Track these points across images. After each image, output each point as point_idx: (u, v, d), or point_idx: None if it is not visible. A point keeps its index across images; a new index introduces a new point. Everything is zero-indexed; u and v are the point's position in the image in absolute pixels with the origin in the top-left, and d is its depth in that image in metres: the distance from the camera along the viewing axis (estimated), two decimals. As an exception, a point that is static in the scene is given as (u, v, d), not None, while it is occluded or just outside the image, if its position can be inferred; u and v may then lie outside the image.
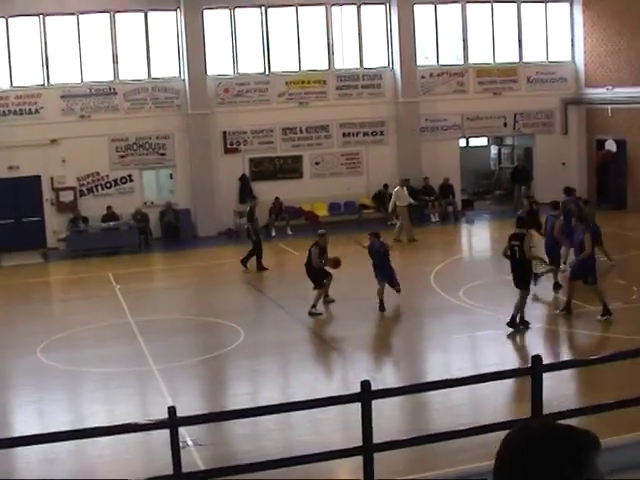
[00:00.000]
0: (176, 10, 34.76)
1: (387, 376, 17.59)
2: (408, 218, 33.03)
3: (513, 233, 20.47)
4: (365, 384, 10.76)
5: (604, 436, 11.45)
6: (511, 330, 19.82)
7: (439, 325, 21.55)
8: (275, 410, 12.46)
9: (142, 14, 34.61)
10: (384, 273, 22.58)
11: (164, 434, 10.60)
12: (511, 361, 18.25)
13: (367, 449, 10.79)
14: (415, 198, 34.85)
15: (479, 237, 35.67)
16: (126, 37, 34.63)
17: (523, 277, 20.18)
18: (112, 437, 12.40)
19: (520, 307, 20.03)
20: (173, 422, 10.44)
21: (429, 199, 36.69)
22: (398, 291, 22.64)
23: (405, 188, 33.48)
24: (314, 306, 22.38)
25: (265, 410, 12.51)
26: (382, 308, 22.11)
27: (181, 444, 12.38)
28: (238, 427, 14.39)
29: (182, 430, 13.26)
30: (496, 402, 15.03)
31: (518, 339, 20.12)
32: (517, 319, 19.92)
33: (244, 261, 28.23)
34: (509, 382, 13.36)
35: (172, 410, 10.40)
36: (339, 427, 14.26)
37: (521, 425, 2.96)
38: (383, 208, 36.12)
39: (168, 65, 35.19)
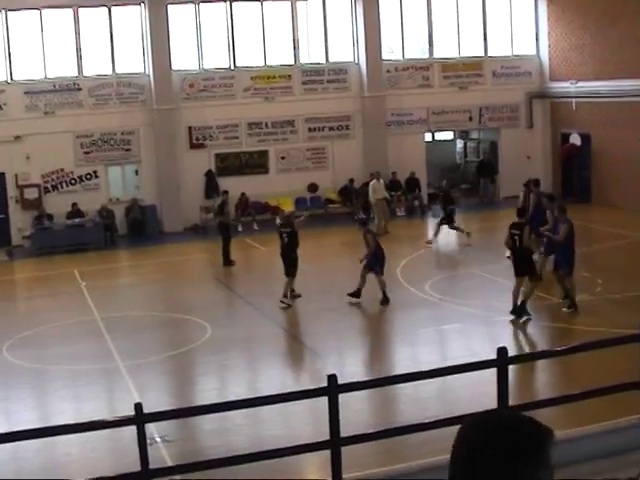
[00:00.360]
0: (140, 5, 34.61)
1: (355, 370, 17.60)
2: (385, 211, 33.34)
3: (513, 222, 20.85)
4: (332, 378, 10.77)
5: (570, 427, 11.54)
6: (523, 318, 20.23)
7: (406, 319, 21.61)
8: (243, 405, 12.45)
9: (106, 9, 34.41)
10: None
11: (132, 431, 10.57)
12: (478, 353, 18.31)
13: (334, 443, 10.81)
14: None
15: (445, 230, 35.72)
16: (90, 32, 34.41)
17: (524, 265, 20.49)
18: (79, 435, 12.35)
19: (529, 295, 20.47)
20: (139, 418, 10.42)
21: (395, 194, 36.74)
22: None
23: (381, 181, 33.70)
24: (285, 296, 22.46)
25: (233, 405, 12.50)
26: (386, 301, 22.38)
27: (149, 440, 12.36)
28: (206, 423, 14.39)
29: (150, 426, 13.25)
30: (464, 394, 15.09)
31: (486, 331, 20.23)
32: (518, 306, 20.35)
33: (226, 258, 28.16)
34: (476, 374, 13.39)
35: (138, 406, 10.38)
36: (308, 421, 14.27)
37: (477, 415, 2.98)
38: (349, 203, 36.22)
39: (133, 60, 35.01)
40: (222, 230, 28.36)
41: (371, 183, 33.65)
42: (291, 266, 22.81)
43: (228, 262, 28.08)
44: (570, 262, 20.70)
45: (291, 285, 22.77)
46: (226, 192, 30.44)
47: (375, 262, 22.49)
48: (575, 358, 15.71)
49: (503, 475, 2.80)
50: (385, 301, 22.28)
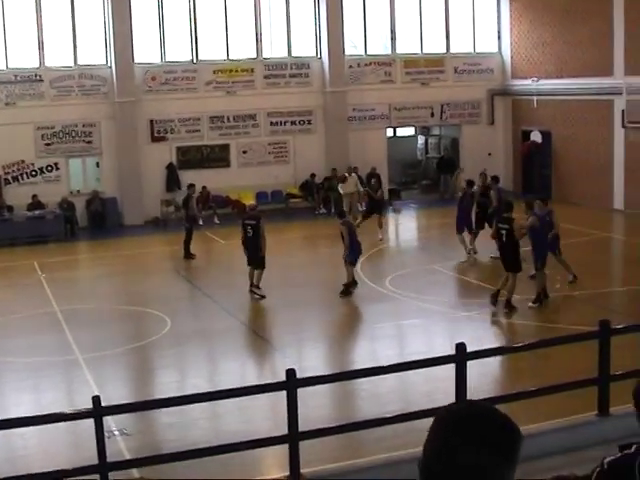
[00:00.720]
0: (103, -4, 34.41)
1: (314, 364, 17.63)
2: (355, 205, 33.70)
3: (501, 217, 21.23)
4: (290, 372, 10.79)
5: (528, 423, 11.62)
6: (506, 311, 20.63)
7: (366, 314, 21.68)
8: (201, 398, 12.44)
9: (68, 0, 34.17)
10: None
11: (91, 423, 10.54)
12: (437, 349, 18.39)
13: (292, 437, 10.83)
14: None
15: (405, 226, 35.90)
16: (52, 23, 34.15)
17: (512, 260, 20.69)
18: (38, 428, 12.31)
19: (512, 289, 20.65)
20: (97, 411, 10.39)
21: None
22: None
23: (354, 175, 33.89)
24: (258, 287, 22.46)
25: (191, 399, 12.49)
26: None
27: (107, 433, 12.33)
28: (165, 416, 14.37)
29: (109, 419, 13.22)
30: (423, 390, 15.17)
31: (446, 327, 20.33)
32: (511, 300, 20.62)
33: (186, 251, 28.10)
34: (435, 370, 13.47)
35: (96, 399, 10.36)
36: (267, 415, 14.28)
37: (450, 405, 3.03)
38: (310, 197, 36.29)
39: (95, 52, 34.80)
40: (187, 223, 28.27)
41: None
42: (260, 258, 22.75)
43: (188, 255, 28.00)
44: (539, 256, 20.93)
45: (259, 278, 22.69)
46: (192, 185, 30.32)
47: (351, 252, 22.60)
48: (534, 354, 15.85)
49: (474, 466, 2.84)
50: (346, 293, 22.35)
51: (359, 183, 34.42)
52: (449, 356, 11.92)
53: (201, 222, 34.14)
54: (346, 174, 34.06)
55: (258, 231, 22.72)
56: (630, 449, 4.32)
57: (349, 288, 22.52)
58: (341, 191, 33.81)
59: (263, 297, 22.44)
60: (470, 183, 27.24)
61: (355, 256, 22.89)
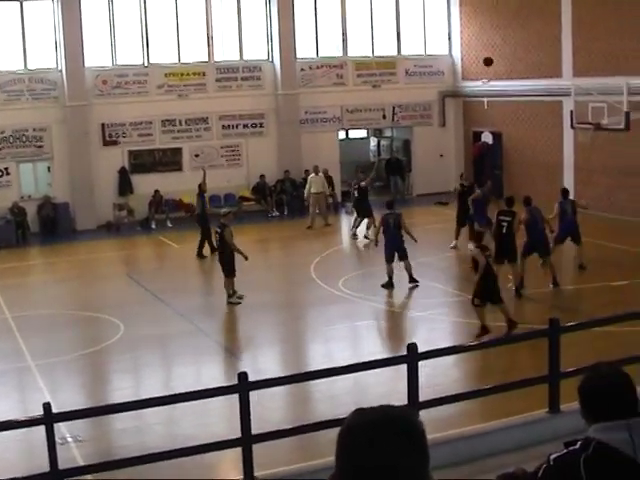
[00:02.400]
0: (53, 0, 34.16)
1: (269, 367, 17.66)
2: (323, 205, 34.00)
3: (502, 210, 22.39)
4: (242, 375, 10.82)
5: (480, 421, 11.74)
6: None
7: (320, 316, 21.72)
8: (155, 403, 12.41)
9: (18, 3, 33.89)
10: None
11: (44, 431, 10.50)
12: (391, 350, 18.49)
13: (246, 440, 10.86)
14: (296, 190, 35.36)
15: (358, 228, 35.95)
16: (1, 27, 33.87)
17: (508, 251, 21.73)
18: (-11, 435, 12.23)
19: (516, 277, 21.97)
20: (48, 418, 10.35)
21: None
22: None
23: (321, 175, 34.02)
24: (230, 295, 22.33)
25: (144, 403, 12.46)
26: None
27: (60, 440, 12.30)
28: (119, 422, 14.34)
29: (62, 426, 13.16)
30: (376, 391, 15.24)
31: (399, 327, 20.43)
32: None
33: (199, 250, 28.20)
34: (389, 370, 13.57)
35: (47, 406, 10.32)
36: (223, 419, 14.28)
37: (355, 411, 3.07)
38: (263, 200, 36.31)
39: (45, 56, 34.56)
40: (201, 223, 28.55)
41: (309, 177, 34.31)
42: (228, 266, 22.57)
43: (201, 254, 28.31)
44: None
45: (231, 285, 22.57)
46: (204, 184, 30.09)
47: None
48: (487, 353, 16.00)
49: (386, 467, 2.89)
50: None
51: (326, 183, 34.60)
52: (401, 356, 12.01)
53: (153, 226, 34.14)
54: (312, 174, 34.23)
55: (223, 238, 22.67)
56: (575, 445, 4.40)
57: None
58: (306, 192, 33.91)
59: (239, 302, 22.28)
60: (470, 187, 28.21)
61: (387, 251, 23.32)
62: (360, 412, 3.06)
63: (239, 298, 22.34)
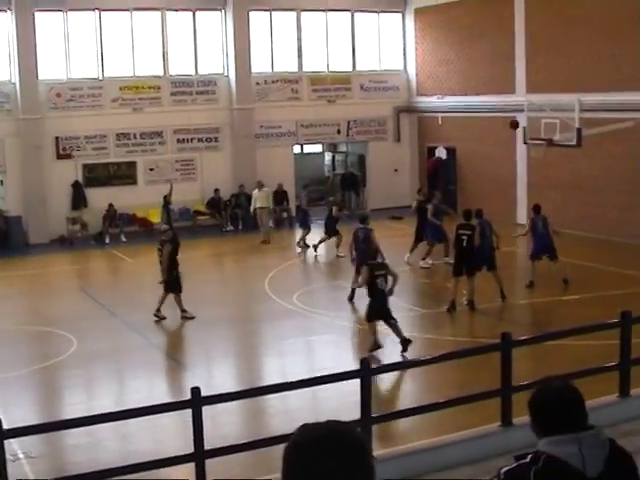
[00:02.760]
0: (6, 11, 33.89)
1: (223, 382, 17.61)
2: (266, 220, 33.85)
3: (461, 223, 22.50)
4: (195, 391, 10.79)
5: (434, 435, 11.76)
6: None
7: (274, 330, 21.69)
8: (107, 419, 12.32)
9: (-30, 16, 33.70)
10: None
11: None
12: (346, 364, 18.50)
13: (198, 455, 10.83)
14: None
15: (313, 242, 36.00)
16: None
17: (469, 264, 21.92)
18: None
19: (470, 291, 21.94)
20: (-1, 434, 10.26)
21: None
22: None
23: (264, 190, 34.00)
24: (184, 310, 22.14)
25: (97, 419, 12.36)
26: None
27: (12, 457, 12.19)
28: (72, 438, 14.22)
29: (14, 442, 13.03)
30: (331, 405, 15.24)
31: (353, 342, 20.46)
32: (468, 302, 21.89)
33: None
34: (344, 385, 13.57)
35: (-2, 422, 10.22)
36: (176, 434, 14.22)
37: (301, 427, 3.10)
38: (218, 214, 36.25)
39: (-2, 69, 34.35)
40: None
41: (253, 192, 34.23)
42: (170, 282, 22.37)
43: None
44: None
45: (169, 301, 22.30)
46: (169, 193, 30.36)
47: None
48: (441, 367, 16.04)
49: None
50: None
51: (270, 198, 34.62)
52: (354, 371, 12.04)
53: (107, 240, 33.97)
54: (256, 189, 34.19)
55: (163, 254, 22.54)
56: (525, 459, 4.45)
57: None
58: (251, 208, 33.90)
59: (192, 317, 22.14)
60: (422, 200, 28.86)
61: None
62: (306, 428, 3.08)
63: (158, 316, 22.13)
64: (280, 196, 37.51)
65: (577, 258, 27.11)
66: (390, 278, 18.95)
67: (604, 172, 31.09)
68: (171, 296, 22.17)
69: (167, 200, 29.34)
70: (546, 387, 4.62)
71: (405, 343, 18.28)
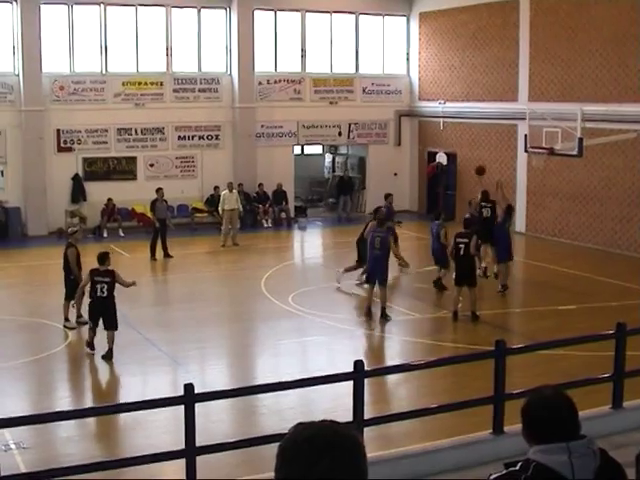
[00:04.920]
0: (12, 3, 33.92)
1: (217, 380, 17.62)
2: (235, 222, 33.20)
3: (459, 232, 22.10)
4: (188, 387, 10.80)
5: (425, 440, 11.78)
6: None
7: (269, 330, 21.71)
8: (99, 412, 12.36)
9: (-25, 6, 33.73)
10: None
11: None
12: (339, 366, 18.51)
13: (189, 452, 10.84)
14: (249, 203, 35.29)
15: (310, 244, 36.06)
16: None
17: (466, 275, 21.58)
18: None
19: (474, 301, 21.62)
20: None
21: (263, 206, 36.86)
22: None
23: (235, 192, 33.60)
24: (67, 319, 21.28)
25: (90, 412, 12.40)
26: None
27: (3, 447, 12.21)
28: (63, 430, 14.24)
29: (6, 432, 13.06)
30: (323, 407, 15.26)
31: (347, 344, 20.47)
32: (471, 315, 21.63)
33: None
34: (336, 387, 13.58)
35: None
36: (168, 430, 14.22)
37: (297, 425, 3.12)
38: (216, 212, 36.22)
39: (2, 60, 34.29)
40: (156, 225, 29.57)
41: (222, 193, 33.72)
42: (67, 286, 21.38)
43: (153, 257, 29.51)
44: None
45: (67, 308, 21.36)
46: (160, 189, 30.58)
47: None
48: (433, 373, 16.07)
49: None
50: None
51: (239, 200, 34.14)
52: (347, 373, 12.04)
53: (105, 235, 33.97)
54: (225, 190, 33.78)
55: (67, 258, 21.54)
56: (515, 467, 4.47)
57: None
58: (220, 209, 33.36)
59: (74, 327, 21.06)
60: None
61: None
62: (301, 426, 3.10)
63: (67, 326, 21.18)
64: (279, 196, 37.52)
65: (574, 268, 27.15)
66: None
67: (604, 183, 31.14)
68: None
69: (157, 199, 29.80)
70: (539, 396, 4.64)
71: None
